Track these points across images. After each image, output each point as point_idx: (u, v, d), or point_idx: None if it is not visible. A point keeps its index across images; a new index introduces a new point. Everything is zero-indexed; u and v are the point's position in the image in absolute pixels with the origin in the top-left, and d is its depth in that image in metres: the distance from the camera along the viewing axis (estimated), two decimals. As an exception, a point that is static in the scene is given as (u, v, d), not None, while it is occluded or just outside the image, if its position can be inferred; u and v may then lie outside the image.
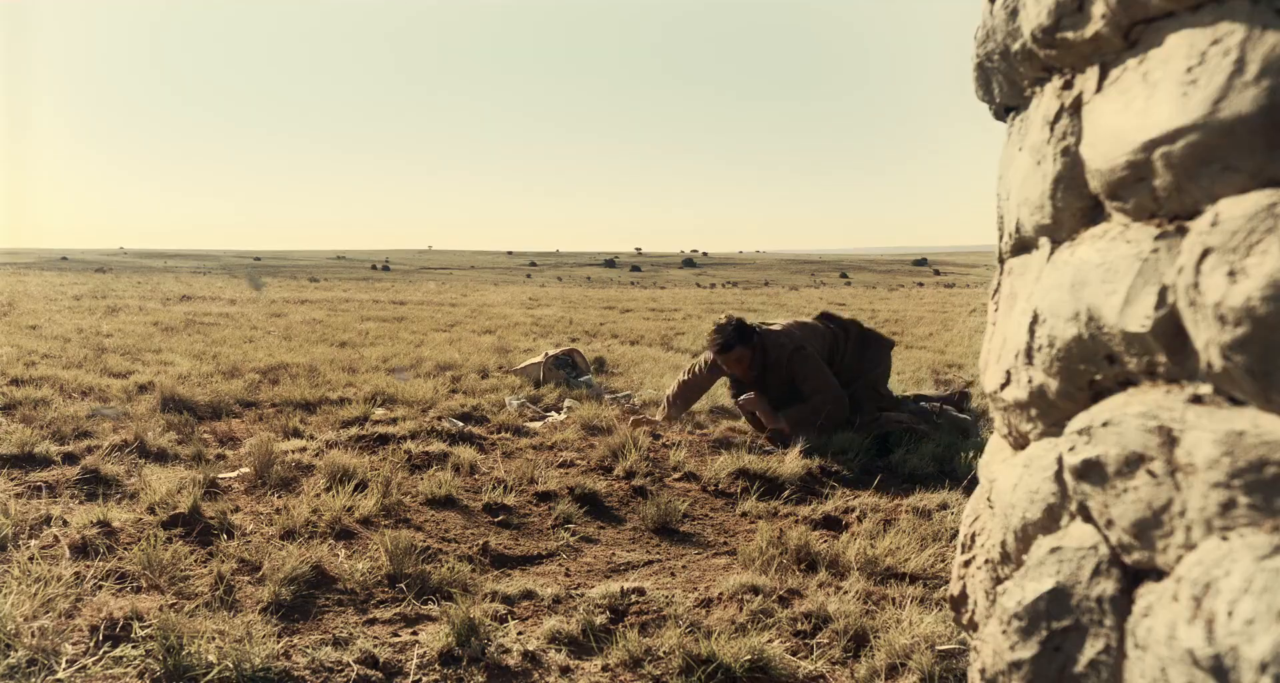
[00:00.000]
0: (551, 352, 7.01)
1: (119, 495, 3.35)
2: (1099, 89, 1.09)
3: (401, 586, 2.59)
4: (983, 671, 1.27)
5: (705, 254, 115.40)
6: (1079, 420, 1.05)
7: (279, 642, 2.14)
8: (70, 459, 3.85)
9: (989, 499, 1.46)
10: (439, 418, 5.08)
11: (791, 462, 4.11)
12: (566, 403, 5.72)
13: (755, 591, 2.56)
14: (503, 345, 9.34)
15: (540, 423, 5.27)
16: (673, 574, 2.90)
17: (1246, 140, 0.82)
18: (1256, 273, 0.77)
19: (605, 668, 2.13)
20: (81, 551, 2.68)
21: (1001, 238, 1.50)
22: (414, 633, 2.29)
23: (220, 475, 3.66)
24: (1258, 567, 0.77)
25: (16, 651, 1.97)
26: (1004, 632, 1.20)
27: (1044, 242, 1.27)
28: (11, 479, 3.49)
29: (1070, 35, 1.11)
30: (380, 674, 2.05)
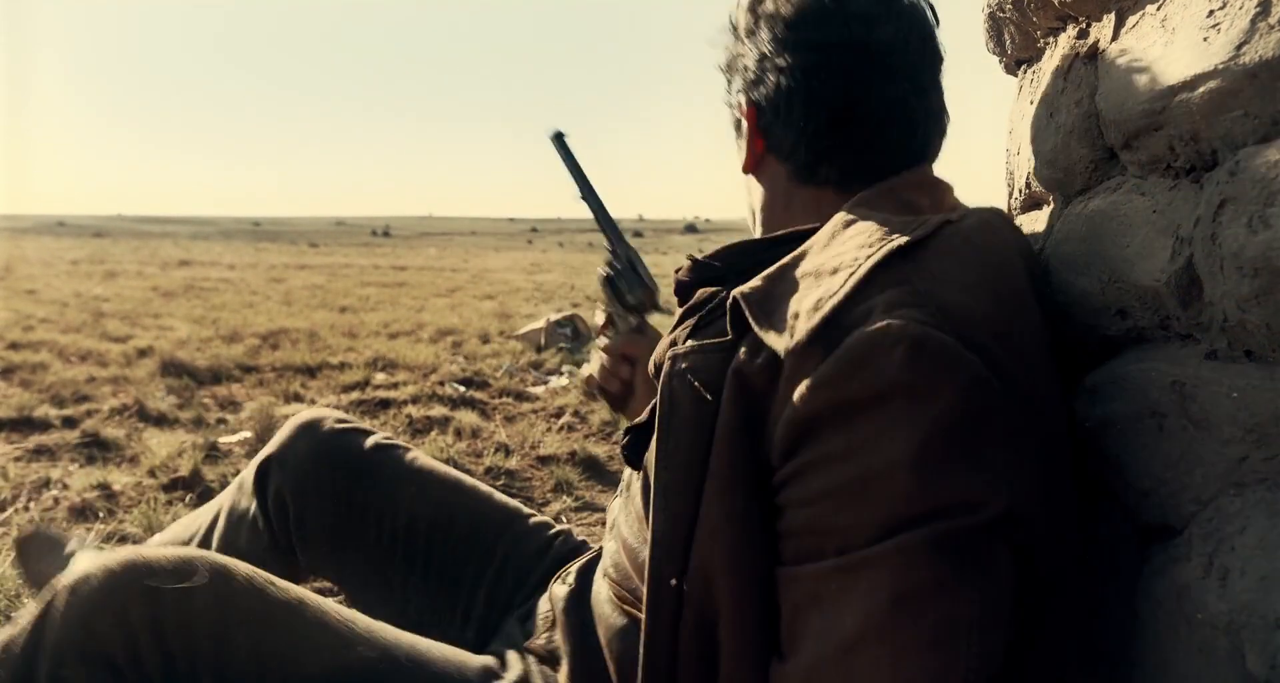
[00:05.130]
0: (553, 317, 6.99)
1: (119, 459, 3.35)
2: (1115, 37, 1.06)
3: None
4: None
5: (708, 220, 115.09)
6: (1090, 377, 1.03)
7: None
8: (70, 423, 3.84)
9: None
10: (440, 383, 5.07)
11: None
12: (567, 368, 5.72)
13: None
14: (504, 311, 9.32)
15: (542, 388, 5.26)
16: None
17: (1270, 86, 0.79)
18: (1278, 223, 0.75)
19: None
20: (81, 513, 2.68)
21: (1011, 194, 1.46)
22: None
23: (221, 440, 3.66)
24: (1272, 524, 0.76)
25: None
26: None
27: (1056, 196, 1.24)
28: (10, 443, 3.48)
29: (1087, -21, 1.07)
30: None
